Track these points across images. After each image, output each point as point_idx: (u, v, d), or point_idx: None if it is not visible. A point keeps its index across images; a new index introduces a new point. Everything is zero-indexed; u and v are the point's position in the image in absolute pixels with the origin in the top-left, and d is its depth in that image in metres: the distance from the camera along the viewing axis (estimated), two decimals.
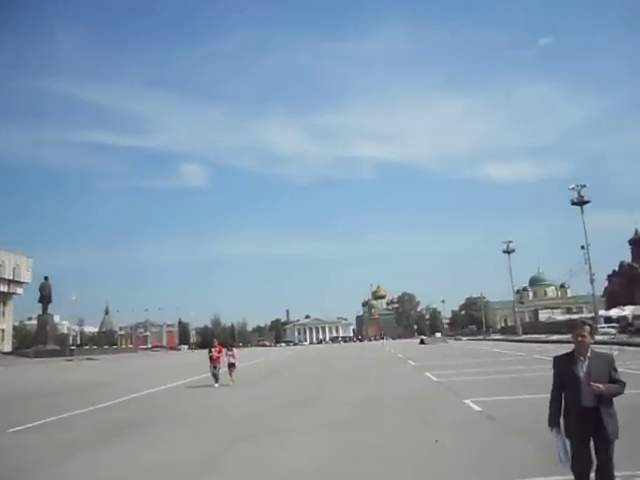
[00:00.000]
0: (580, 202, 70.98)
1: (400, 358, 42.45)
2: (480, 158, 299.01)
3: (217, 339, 28.34)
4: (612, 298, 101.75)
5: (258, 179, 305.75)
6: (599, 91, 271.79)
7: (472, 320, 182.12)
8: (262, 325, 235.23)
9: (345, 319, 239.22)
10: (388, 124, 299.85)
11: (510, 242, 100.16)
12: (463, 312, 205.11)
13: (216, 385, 24.07)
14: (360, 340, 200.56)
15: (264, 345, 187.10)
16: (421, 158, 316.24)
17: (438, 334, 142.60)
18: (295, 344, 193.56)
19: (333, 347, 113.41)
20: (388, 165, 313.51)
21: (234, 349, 25.73)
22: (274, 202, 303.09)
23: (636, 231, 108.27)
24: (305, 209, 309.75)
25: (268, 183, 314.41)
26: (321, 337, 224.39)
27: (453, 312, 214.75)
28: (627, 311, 76.81)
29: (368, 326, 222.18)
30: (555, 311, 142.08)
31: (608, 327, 63.77)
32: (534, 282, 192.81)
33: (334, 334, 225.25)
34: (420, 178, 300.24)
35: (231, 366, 24.77)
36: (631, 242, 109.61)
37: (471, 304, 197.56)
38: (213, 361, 24.53)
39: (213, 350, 24.88)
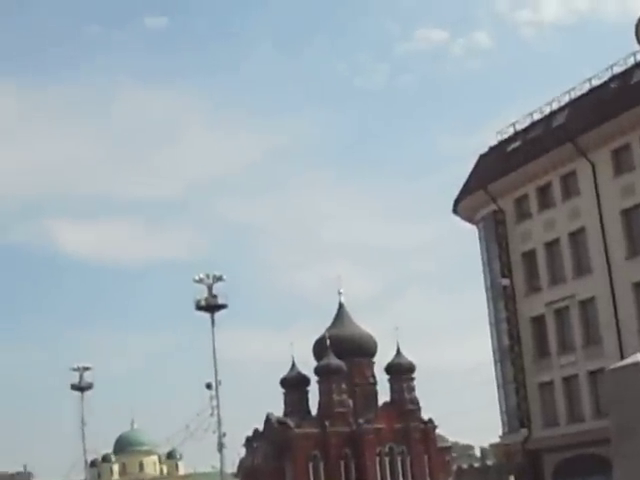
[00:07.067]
0: (211, 306, 42.02)
1: None
2: None
3: None
4: (251, 476, 76.95)
5: None
6: None
7: None
8: None
9: None
10: None
11: (85, 370, 51.68)
12: None
13: None
14: None
15: None
16: None
17: None
18: None
19: None
20: None
21: None
22: None
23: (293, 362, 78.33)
24: None
25: None
26: None
27: None
28: None
29: None
30: None
31: None
32: (123, 446, 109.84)
33: None
34: None
35: None
36: (282, 382, 79.83)
37: None
38: None
39: None
